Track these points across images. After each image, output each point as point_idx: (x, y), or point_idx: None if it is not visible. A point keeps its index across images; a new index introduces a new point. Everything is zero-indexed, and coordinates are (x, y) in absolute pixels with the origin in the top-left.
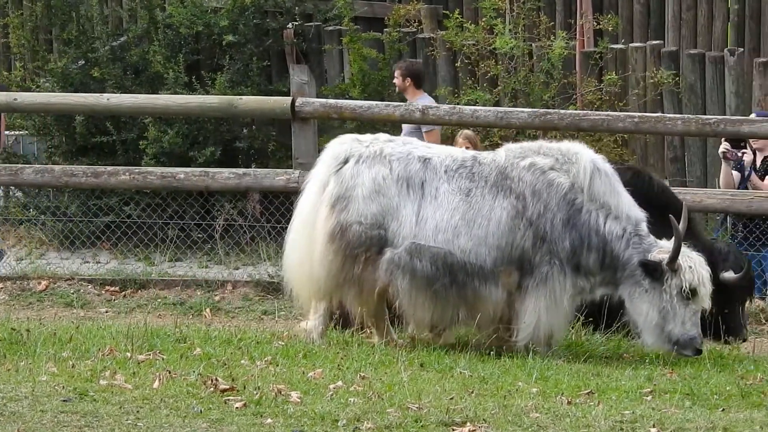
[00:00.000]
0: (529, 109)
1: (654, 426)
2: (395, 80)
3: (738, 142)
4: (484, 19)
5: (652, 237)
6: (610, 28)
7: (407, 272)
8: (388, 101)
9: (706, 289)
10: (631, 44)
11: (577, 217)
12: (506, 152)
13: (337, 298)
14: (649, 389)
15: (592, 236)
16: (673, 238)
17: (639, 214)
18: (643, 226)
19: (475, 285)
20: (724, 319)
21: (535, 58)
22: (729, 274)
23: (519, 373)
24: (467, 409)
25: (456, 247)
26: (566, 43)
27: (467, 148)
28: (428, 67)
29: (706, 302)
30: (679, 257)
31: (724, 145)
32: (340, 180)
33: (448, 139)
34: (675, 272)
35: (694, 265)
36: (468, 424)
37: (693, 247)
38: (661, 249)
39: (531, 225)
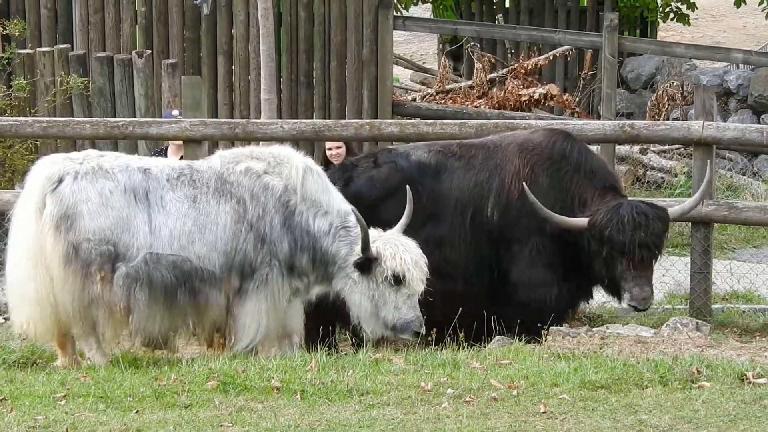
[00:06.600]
0: None
1: (67, 430)
2: None
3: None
4: None
5: (359, 228)
6: (17, 33)
7: (145, 283)
8: None
9: (413, 273)
10: (38, 49)
11: (291, 220)
12: (220, 158)
13: (88, 322)
14: (62, 393)
15: (304, 237)
16: (359, 228)
17: (347, 207)
18: (351, 218)
19: (207, 292)
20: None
21: None
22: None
23: None
24: None
25: (192, 254)
26: None
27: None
28: None
29: (418, 285)
30: (382, 246)
31: None
32: (59, 199)
33: None
34: (377, 261)
35: (396, 251)
36: None
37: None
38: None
39: (252, 228)
